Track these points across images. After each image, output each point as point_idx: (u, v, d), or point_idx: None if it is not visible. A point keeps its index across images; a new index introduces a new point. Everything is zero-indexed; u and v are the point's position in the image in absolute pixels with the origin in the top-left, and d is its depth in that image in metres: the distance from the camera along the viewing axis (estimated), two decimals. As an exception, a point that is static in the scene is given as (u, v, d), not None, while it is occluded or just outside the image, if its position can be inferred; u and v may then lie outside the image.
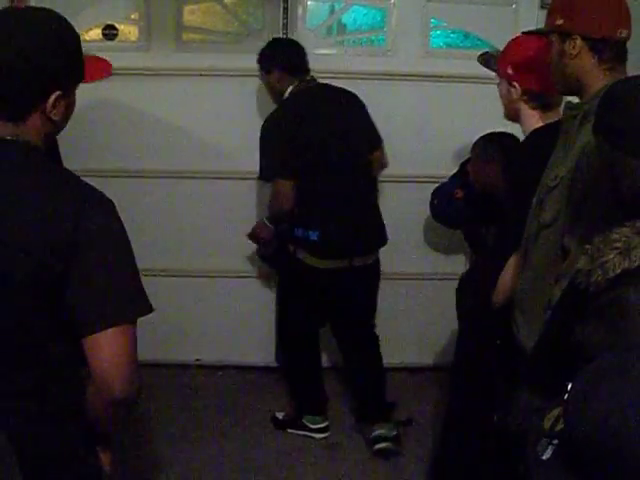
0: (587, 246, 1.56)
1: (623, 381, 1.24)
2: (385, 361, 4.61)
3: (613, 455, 1.19)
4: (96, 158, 4.31)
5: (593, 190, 1.91)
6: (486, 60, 3.01)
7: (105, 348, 1.53)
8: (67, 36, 1.63)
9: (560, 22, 2.14)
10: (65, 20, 1.64)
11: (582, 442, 1.22)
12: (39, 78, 1.56)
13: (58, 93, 1.60)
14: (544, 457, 1.33)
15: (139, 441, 3.78)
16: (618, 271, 1.46)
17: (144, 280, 4.71)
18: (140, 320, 4.64)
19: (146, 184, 4.35)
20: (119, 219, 1.61)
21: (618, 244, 1.48)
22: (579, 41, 2.11)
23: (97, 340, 1.52)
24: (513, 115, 2.79)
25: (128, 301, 1.57)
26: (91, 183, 4.34)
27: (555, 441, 1.33)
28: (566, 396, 1.28)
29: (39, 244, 1.49)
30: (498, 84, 2.83)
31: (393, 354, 4.64)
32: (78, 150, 4.15)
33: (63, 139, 4.01)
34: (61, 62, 1.59)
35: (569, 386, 1.29)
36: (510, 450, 1.67)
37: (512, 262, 2.55)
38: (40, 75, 1.56)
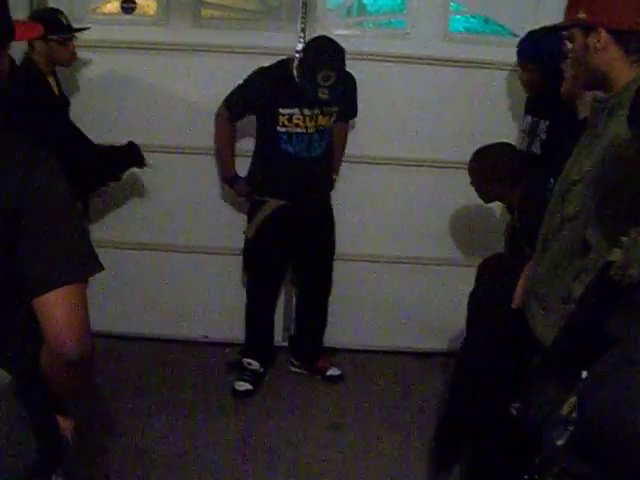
0: (623, 238, 1.53)
1: (634, 373, 1.23)
2: (392, 345, 4.65)
3: (621, 443, 1.19)
4: (110, 131, 4.29)
5: (626, 182, 1.89)
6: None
7: (56, 307, 1.50)
8: None
9: (582, 16, 2.09)
10: None
11: (593, 429, 1.22)
12: None
13: None
14: (559, 443, 1.32)
15: (144, 415, 3.79)
16: None
17: (153, 255, 4.77)
18: (148, 296, 4.68)
19: (162, 159, 4.34)
20: (63, 179, 1.57)
21: None
22: (604, 34, 2.05)
23: (48, 300, 1.50)
24: (572, 95, 2.75)
25: (77, 260, 1.54)
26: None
27: (571, 427, 1.33)
28: (581, 384, 1.28)
29: None
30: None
31: (401, 338, 4.66)
32: (92, 123, 4.15)
33: (78, 111, 4.07)
34: None
35: (584, 375, 1.28)
36: (525, 440, 1.65)
37: None
38: None
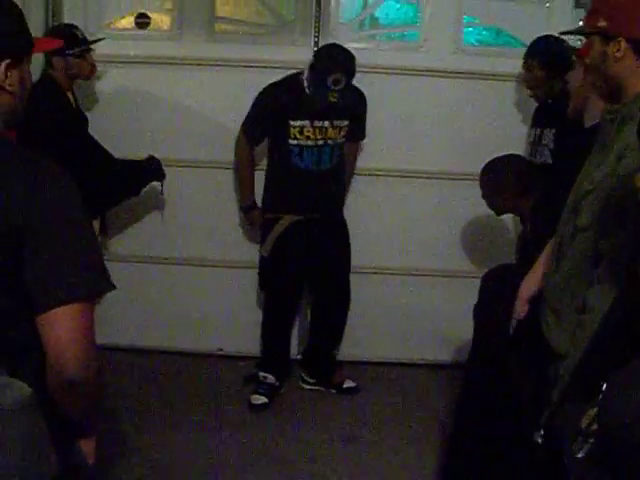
0: None
1: None
2: (406, 357, 4.63)
3: None
4: (124, 145, 4.32)
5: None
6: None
7: (59, 326, 1.46)
8: (11, 2, 1.60)
9: (603, 24, 2.09)
10: None
11: (615, 442, 1.21)
12: None
13: (8, 61, 1.55)
14: (579, 455, 1.32)
15: (160, 429, 3.78)
16: None
17: (169, 268, 4.77)
18: (163, 309, 4.68)
19: (176, 172, 4.36)
20: (75, 194, 1.55)
21: None
22: (624, 43, 2.06)
23: (51, 317, 1.46)
24: (580, 107, 2.74)
25: (84, 277, 1.50)
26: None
27: (591, 440, 1.32)
28: (600, 397, 1.27)
29: None
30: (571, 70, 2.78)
31: (414, 351, 4.65)
32: (107, 137, 4.17)
33: (92, 125, 4.10)
34: (10, 26, 1.56)
35: (604, 387, 1.28)
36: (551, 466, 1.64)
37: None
38: None
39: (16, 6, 1.61)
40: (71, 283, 1.48)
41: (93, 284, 1.52)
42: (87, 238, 1.56)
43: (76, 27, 3.87)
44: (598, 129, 2.32)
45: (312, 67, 3.89)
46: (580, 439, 1.34)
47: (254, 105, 4.02)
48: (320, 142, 4.02)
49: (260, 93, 4.00)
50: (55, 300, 1.46)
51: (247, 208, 4.24)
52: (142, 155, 4.17)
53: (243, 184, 4.26)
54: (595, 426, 1.33)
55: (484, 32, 4.60)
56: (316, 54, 3.95)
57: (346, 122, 4.06)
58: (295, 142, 3.99)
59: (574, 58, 3.63)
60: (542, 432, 1.80)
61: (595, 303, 2.02)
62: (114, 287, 1.56)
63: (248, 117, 4.05)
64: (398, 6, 4.54)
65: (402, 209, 4.55)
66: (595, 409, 1.33)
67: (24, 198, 1.47)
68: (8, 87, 1.57)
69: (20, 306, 1.50)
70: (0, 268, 1.49)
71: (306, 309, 4.56)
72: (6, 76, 1.56)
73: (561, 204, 2.39)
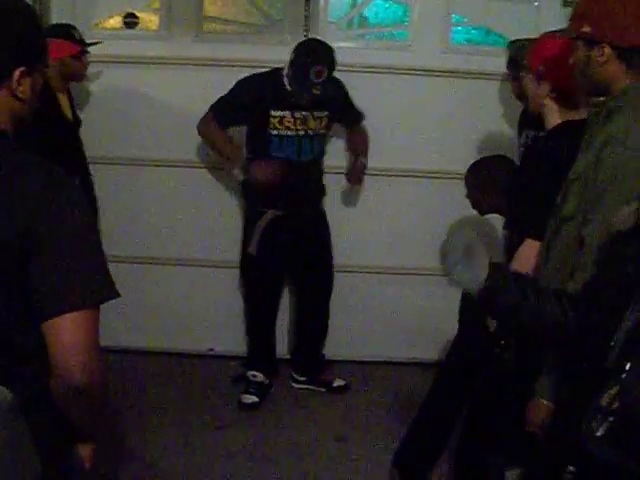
0: None
1: None
2: (395, 356, 4.64)
3: None
4: (113, 145, 4.32)
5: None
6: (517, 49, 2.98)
7: (65, 333, 1.46)
8: (29, 8, 1.59)
9: (587, 29, 2.07)
10: None
11: (637, 419, 1.22)
12: (3, 46, 1.51)
13: (22, 69, 1.53)
14: (599, 433, 1.32)
15: (151, 429, 3.78)
16: None
17: (160, 269, 4.73)
18: (153, 309, 4.64)
19: (163, 173, 4.35)
20: (82, 202, 1.55)
21: None
22: (607, 50, 2.05)
23: (57, 324, 1.46)
24: (538, 109, 2.75)
25: (90, 285, 1.50)
26: (109, 171, 4.32)
27: (611, 418, 1.32)
28: (624, 375, 1.27)
29: None
30: (522, 77, 2.79)
31: (406, 349, 4.66)
32: (96, 137, 4.16)
33: (82, 124, 4.07)
34: (26, 32, 1.55)
35: (627, 366, 1.28)
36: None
37: (527, 252, 2.56)
38: (4, 43, 1.51)
39: (32, 11, 1.61)
40: (77, 290, 1.47)
41: (99, 291, 1.51)
42: (93, 245, 1.55)
43: (74, 27, 3.84)
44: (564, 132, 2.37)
45: (292, 63, 3.90)
46: (600, 417, 1.35)
47: (231, 90, 4.00)
48: (301, 132, 4.03)
49: (240, 81, 4.00)
50: (61, 307, 1.46)
51: (245, 164, 4.02)
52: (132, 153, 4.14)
53: (221, 143, 4.08)
54: (616, 404, 1.33)
55: (473, 31, 4.62)
56: (295, 50, 3.94)
57: (326, 112, 4.08)
58: (275, 132, 4.00)
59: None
60: (572, 469, 1.71)
61: (573, 291, 2.02)
62: (118, 295, 1.55)
63: (221, 100, 4.00)
64: (387, 5, 4.56)
65: (391, 208, 4.55)
66: (616, 387, 1.34)
67: (31, 203, 1.46)
68: (20, 94, 1.55)
69: (23, 313, 1.50)
70: (5, 273, 1.48)
71: (291, 307, 4.58)
72: (19, 83, 1.54)
73: (541, 203, 2.40)
